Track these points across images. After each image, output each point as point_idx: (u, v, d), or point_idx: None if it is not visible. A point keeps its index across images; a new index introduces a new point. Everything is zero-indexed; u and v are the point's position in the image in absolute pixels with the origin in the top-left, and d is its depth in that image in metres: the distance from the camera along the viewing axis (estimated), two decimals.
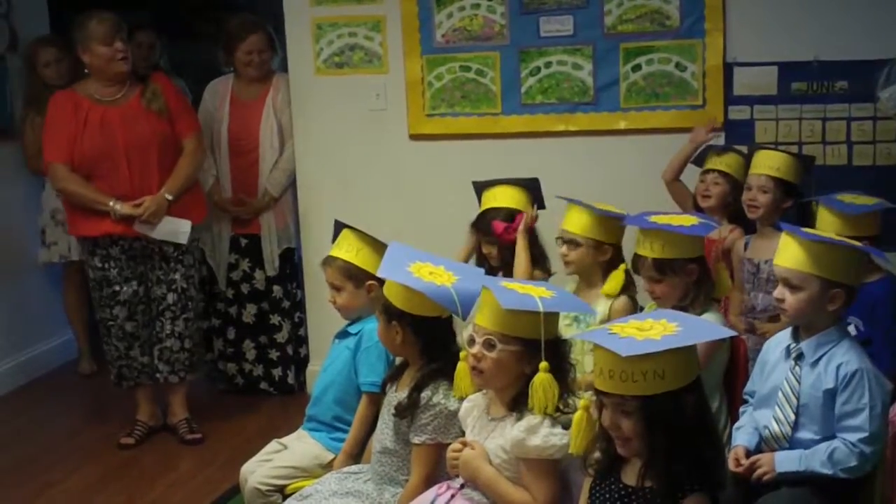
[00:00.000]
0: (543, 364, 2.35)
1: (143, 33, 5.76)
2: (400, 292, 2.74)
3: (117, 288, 4.55)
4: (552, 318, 2.44)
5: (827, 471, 2.62)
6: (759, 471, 2.70)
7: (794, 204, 3.84)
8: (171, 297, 4.59)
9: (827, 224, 3.45)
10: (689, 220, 3.25)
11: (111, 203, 4.37)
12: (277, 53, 5.13)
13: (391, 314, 2.79)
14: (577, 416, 2.28)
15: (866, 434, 2.61)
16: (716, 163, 4.11)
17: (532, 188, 3.84)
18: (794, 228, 2.78)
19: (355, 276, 3.24)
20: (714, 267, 3.42)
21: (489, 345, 2.43)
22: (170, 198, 4.44)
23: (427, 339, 2.80)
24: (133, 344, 4.63)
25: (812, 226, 3.70)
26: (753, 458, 2.73)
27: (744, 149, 4.19)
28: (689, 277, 3.13)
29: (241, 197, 5.07)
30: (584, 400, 2.31)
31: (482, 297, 2.45)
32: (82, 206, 4.47)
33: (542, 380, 2.35)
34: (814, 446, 2.67)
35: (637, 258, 3.21)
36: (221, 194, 5.07)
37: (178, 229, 4.50)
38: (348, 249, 3.25)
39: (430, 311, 2.73)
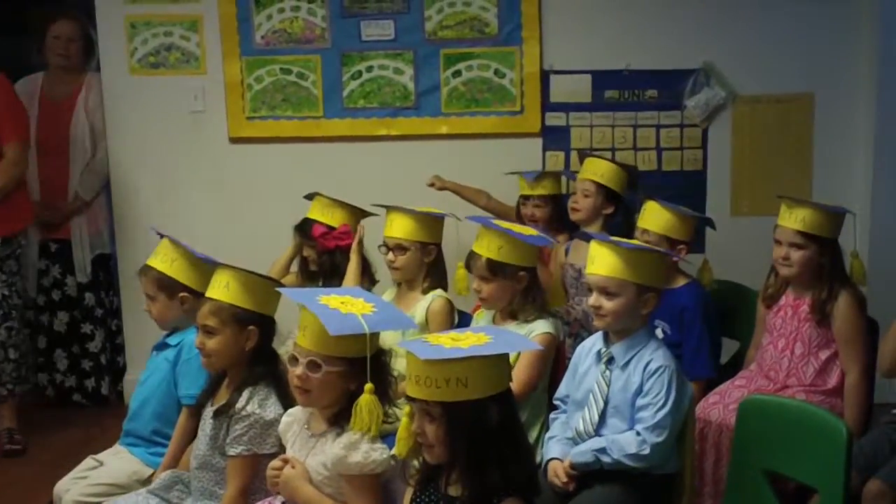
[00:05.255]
0: (369, 386, 2.31)
1: None
2: (260, 291, 2.76)
3: None
4: (375, 333, 2.43)
5: (615, 456, 2.71)
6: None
7: (616, 212, 3.98)
8: None
9: (654, 219, 3.59)
10: (530, 231, 3.33)
11: None
12: (94, 53, 4.94)
13: (246, 320, 2.77)
14: (403, 421, 2.29)
15: (650, 424, 2.71)
16: (534, 188, 4.20)
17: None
18: (604, 237, 2.89)
19: (168, 286, 3.16)
20: (550, 279, 3.51)
21: (314, 365, 2.39)
22: None
23: (266, 340, 2.84)
24: None
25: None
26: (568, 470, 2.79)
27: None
28: (519, 285, 3.19)
29: (49, 201, 4.86)
30: (408, 407, 2.32)
31: (303, 316, 2.41)
32: None
33: (368, 402, 2.31)
34: None
35: (472, 255, 3.24)
36: (29, 197, 4.84)
37: None
38: (163, 259, 3.16)
39: (273, 310, 2.81)
